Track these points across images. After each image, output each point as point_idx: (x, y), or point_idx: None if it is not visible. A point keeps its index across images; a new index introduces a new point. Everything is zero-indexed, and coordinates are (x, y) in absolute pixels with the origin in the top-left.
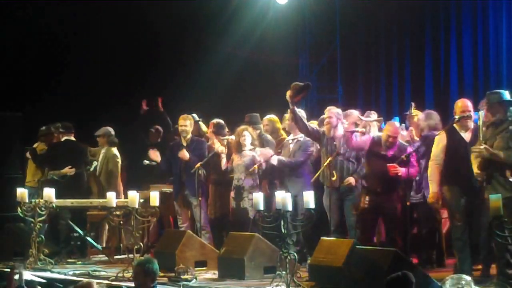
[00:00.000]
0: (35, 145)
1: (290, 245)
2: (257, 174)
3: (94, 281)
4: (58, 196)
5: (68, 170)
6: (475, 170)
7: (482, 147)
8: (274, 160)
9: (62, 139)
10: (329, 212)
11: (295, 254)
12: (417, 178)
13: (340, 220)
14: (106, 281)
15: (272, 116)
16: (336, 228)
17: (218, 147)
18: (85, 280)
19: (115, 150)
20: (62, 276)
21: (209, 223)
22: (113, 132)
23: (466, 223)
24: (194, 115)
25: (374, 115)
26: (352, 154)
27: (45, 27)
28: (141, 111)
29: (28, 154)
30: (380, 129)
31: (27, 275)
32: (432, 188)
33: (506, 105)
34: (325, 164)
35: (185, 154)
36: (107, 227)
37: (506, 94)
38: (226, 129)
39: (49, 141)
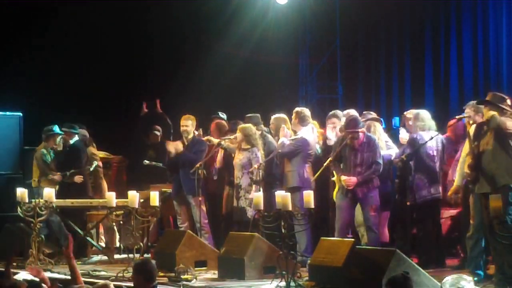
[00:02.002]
0: (39, 147)
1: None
2: (257, 173)
3: (111, 283)
4: (65, 196)
5: (78, 179)
6: (465, 169)
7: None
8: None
9: (71, 141)
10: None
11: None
12: (410, 179)
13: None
14: (107, 281)
15: (280, 115)
16: (344, 229)
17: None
18: (101, 282)
19: (94, 150)
20: (62, 276)
21: (219, 222)
22: (87, 133)
23: (482, 224)
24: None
25: (372, 115)
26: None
27: (45, 27)
28: (141, 112)
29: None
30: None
31: (26, 275)
32: (456, 180)
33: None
34: (325, 164)
35: (172, 146)
36: (101, 227)
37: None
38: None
39: (52, 141)
